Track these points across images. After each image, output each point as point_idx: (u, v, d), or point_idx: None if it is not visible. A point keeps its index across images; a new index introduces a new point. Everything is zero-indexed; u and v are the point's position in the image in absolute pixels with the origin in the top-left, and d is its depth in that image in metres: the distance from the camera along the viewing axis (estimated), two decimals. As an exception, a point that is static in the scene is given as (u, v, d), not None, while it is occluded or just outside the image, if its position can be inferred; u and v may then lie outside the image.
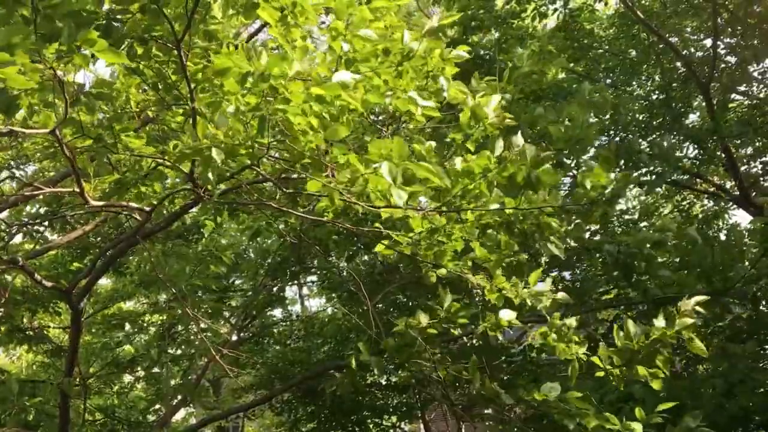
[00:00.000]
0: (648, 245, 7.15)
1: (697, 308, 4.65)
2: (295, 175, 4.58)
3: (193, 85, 3.73)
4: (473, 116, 3.96)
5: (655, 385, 4.51)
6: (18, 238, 8.86)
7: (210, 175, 2.91)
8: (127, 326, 10.71)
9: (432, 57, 3.75)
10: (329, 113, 3.07)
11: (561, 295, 4.57)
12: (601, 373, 4.68)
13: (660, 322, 4.58)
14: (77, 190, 3.93)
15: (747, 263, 8.13)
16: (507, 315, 4.58)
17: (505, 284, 4.33)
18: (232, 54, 3.01)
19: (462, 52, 4.05)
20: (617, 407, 6.23)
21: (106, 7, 3.17)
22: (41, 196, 7.14)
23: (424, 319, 5.02)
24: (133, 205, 4.94)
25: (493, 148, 3.18)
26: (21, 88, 2.71)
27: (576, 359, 4.53)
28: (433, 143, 4.07)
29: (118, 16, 3.26)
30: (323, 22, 4.14)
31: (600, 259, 8.40)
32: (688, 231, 7.81)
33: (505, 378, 9.05)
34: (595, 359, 4.61)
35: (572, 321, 4.53)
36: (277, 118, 2.96)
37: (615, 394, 7.00)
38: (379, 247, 4.39)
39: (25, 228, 8.14)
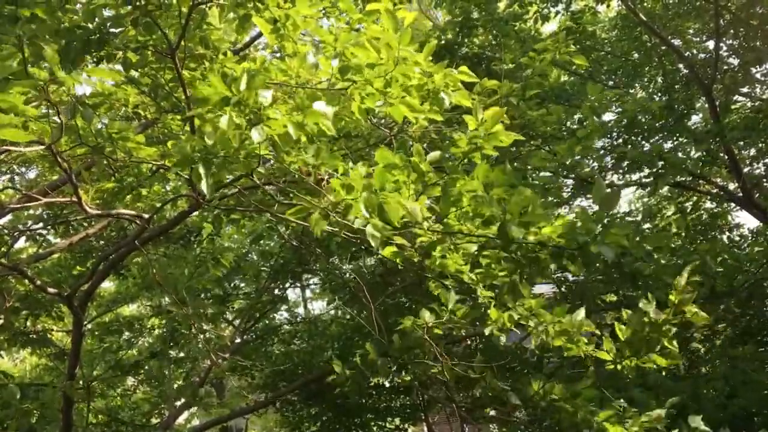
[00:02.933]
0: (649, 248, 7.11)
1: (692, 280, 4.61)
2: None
3: (189, 92, 3.74)
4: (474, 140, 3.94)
5: (669, 361, 4.48)
6: (21, 242, 8.89)
7: (204, 186, 2.91)
8: (126, 333, 10.73)
9: (434, 78, 3.74)
10: (314, 132, 3.07)
11: (581, 317, 4.48)
12: (611, 366, 4.65)
13: (650, 307, 4.55)
14: (74, 200, 3.94)
15: (749, 265, 8.12)
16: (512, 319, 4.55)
17: (511, 301, 4.29)
18: (212, 79, 3.00)
19: (465, 70, 4.04)
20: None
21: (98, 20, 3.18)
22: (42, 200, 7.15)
23: (429, 318, 5.02)
24: (131, 212, 4.94)
25: (481, 175, 3.17)
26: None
27: (585, 357, 4.50)
28: (438, 153, 4.06)
29: (112, 30, 3.26)
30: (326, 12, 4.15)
31: (602, 261, 8.38)
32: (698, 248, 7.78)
33: (509, 380, 9.04)
34: (602, 354, 4.58)
35: (579, 315, 4.46)
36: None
37: (617, 396, 6.99)
38: (386, 251, 4.37)
39: (28, 232, 8.16)
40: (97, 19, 3.15)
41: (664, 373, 8.09)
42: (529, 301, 4.10)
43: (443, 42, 9.67)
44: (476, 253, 3.63)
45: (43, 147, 3.42)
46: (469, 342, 9.70)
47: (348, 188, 2.91)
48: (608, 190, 3.33)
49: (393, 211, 2.89)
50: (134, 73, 4.00)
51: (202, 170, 2.84)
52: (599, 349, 4.61)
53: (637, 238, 7.67)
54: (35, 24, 2.58)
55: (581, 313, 4.50)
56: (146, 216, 4.69)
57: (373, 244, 2.89)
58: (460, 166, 3.57)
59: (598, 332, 4.63)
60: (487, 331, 4.76)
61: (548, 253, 3.21)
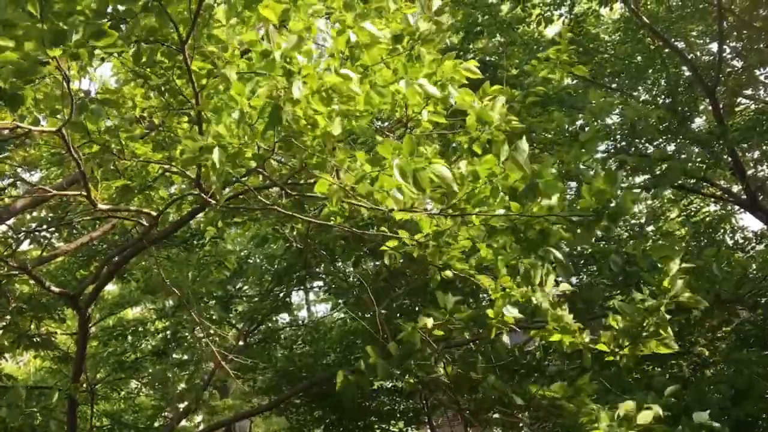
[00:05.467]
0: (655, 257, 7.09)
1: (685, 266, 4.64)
2: (301, 181, 4.60)
3: (198, 89, 3.74)
4: (479, 120, 3.96)
5: (665, 349, 4.51)
6: (25, 245, 8.88)
7: (213, 178, 2.91)
8: (130, 338, 10.73)
9: (442, 67, 3.76)
10: (335, 111, 3.07)
11: (564, 286, 4.56)
12: (610, 357, 4.68)
13: (643, 296, 4.59)
14: (84, 193, 3.94)
15: (754, 267, 8.11)
16: (511, 311, 4.58)
17: (510, 284, 4.33)
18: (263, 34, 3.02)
19: (472, 66, 4.07)
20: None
21: (109, 8, 3.17)
22: (47, 203, 7.16)
23: (428, 322, 5.05)
24: (138, 209, 4.94)
25: (499, 153, 3.19)
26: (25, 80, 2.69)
27: (585, 348, 4.53)
28: (437, 147, 4.09)
29: (123, 18, 3.26)
30: (328, 15, 4.17)
31: (607, 267, 8.39)
32: (701, 253, 7.77)
33: (512, 382, 9.03)
34: (601, 346, 4.62)
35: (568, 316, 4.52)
36: (285, 113, 2.96)
37: (620, 399, 6.97)
38: (390, 243, 4.39)
39: (32, 234, 8.17)
40: (109, 8, 3.14)
41: (668, 377, 8.09)
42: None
43: (447, 45, 9.69)
44: (486, 235, 3.64)
45: (53, 130, 3.41)
46: (471, 344, 9.69)
47: (375, 161, 2.92)
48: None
49: (424, 178, 2.89)
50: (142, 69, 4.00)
51: (216, 157, 2.84)
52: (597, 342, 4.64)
53: (642, 244, 7.70)
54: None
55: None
56: (153, 213, 4.69)
57: (395, 207, 2.88)
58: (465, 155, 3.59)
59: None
60: (492, 335, 4.77)
61: (562, 221, 3.21)
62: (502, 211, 3.32)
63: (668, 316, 4.52)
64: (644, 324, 4.49)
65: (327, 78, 2.95)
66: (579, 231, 3.21)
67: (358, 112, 3.70)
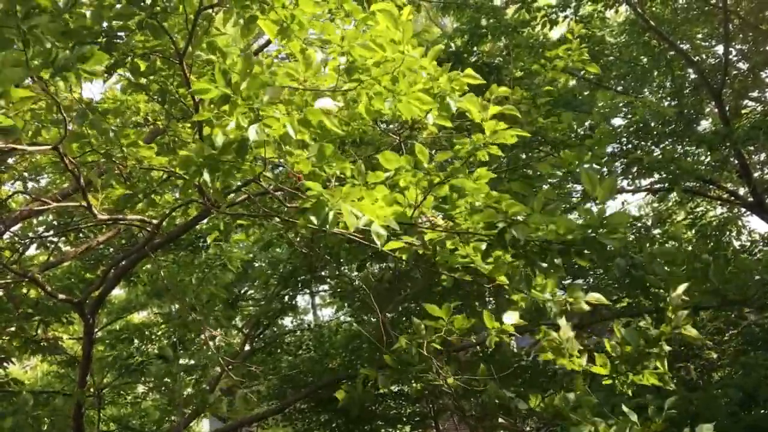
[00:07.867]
0: (660, 260, 7.06)
1: (684, 297, 4.61)
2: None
3: (197, 99, 3.75)
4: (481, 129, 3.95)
5: (659, 383, 4.50)
6: (32, 250, 8.92)
7: (211, 191, 2.92)
8: (136, 341, 10.74)
9: (439, 81, 3.75)
10: (316, 133, 3.08)
11: (595, 296, 4.45)
12: (608, 381, 4.66)
13: (646, 323, 4.58)
14: (84, 204, 3.95)
15: (761, 269, 8.06)
16: (510, 319, 4.50)
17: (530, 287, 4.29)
18: (215, 76, 3.02)
19: (472, 72, 4.05)
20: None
21: (105, 24, 3.18)
22: (53, 208, 7.18)
23: (422, 331, 4.97)
24: (140, 217, 4.95)
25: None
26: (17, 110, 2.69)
27: (580, 371, 4.50)
28: (445, 153, 4.07)
29: (119, 33, 3.27)
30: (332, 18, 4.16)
31: (613, 269, 8.36)
32: (701, 256, 7.72)
33: (517, 388, 9.01)
34: (597, 369, 4.57)
35: (567, 330, 4.45)
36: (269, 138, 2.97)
37: (628, 405, 6.93)
38: (392, 245, 4.35)
39: (38, 239, 8.20)
40: (104, 24, 3.16)
41: (675, 380, 8.04)
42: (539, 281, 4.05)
43: (452, 49, 9.67)
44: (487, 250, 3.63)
45: (48, 148, 3.43)
46: (478, 349, 9.67)
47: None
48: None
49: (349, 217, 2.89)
50: (143, 80, 4.01)
51: (207, 177, 2.85)
52: (592, 364, 4.59)
53: (648, 247, 7.66)
54: (39, 18, 2.59)
55: (569, 331, 4.47)
56: (155, 222, 4.71)
57: (377, 242, 2.89)
58: (466, 165, 3.58)
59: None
60: (488, 342, 4.73)
61: (555, 249, 3.21)
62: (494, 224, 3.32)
63: (668, 348, 4.49)
64: (644, 352, 4.46)
65: (293, 117, 2.94)
66: (574, 258, 3.21)
67: (357, 118, 3.71)
